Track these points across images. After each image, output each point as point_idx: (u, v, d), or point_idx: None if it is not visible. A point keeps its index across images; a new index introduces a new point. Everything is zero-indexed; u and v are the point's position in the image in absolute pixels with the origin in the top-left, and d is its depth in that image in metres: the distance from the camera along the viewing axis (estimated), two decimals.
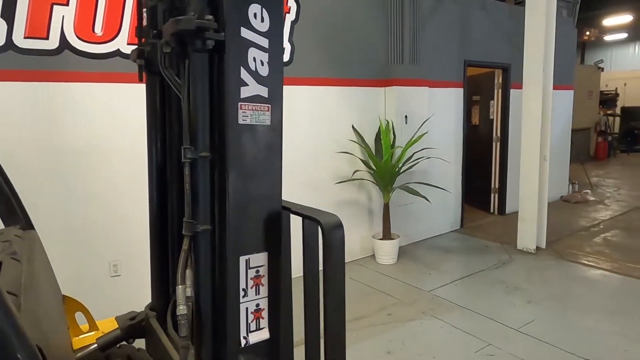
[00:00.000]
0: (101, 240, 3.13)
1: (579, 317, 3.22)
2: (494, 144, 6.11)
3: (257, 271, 1.16)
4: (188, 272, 1.11)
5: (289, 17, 3.87)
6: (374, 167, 4.31)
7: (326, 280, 1.07)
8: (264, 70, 1.10)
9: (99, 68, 2.99)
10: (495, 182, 6.19)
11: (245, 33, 1.06)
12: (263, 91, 1.10)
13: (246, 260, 1.13)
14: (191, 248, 1.12)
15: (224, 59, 1.05)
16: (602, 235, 5.19)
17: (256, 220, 1.13)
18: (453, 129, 5.40)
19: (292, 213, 1.18)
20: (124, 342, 1.53)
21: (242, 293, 1.13)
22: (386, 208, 4.44)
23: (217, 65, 1.08)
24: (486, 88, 6.12)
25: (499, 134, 6.04)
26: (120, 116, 3.08)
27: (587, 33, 11.24)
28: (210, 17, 1.02)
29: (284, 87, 1.15)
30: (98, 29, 2.94)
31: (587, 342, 2.84)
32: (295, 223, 1.20)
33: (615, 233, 5.26)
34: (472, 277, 4.04)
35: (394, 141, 4.48)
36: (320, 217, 1.09)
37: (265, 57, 1.10)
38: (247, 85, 1.08)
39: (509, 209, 6.02)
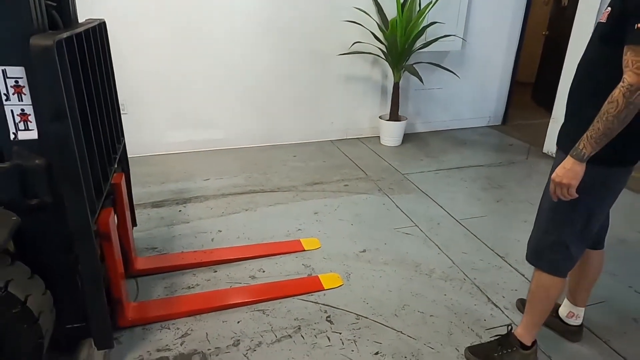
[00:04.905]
0: None
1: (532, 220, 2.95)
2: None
3: (17, 82, 1.43)
4: None
5: None
6: (383, 42, 4.04)
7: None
8: None
9: None
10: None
11: None
12: None
13: (2, 70, 1.40)
14: None
15: None
16: None
17: (7, 38, 1.37)
18: (512, 7, 4.59)
19: None
20: None
21: (4, 97, 1.43)
22: (396, 87, 4.23)
23: None
24: None
25: None
26: None
27: None
28: None
29: None
30: None
31: (511, 242, 2.67)
32: None
33: None
34: (463, 169, 3.83)
35: (418, 13, 4.06)
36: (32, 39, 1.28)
37: None
38: None
39: None
